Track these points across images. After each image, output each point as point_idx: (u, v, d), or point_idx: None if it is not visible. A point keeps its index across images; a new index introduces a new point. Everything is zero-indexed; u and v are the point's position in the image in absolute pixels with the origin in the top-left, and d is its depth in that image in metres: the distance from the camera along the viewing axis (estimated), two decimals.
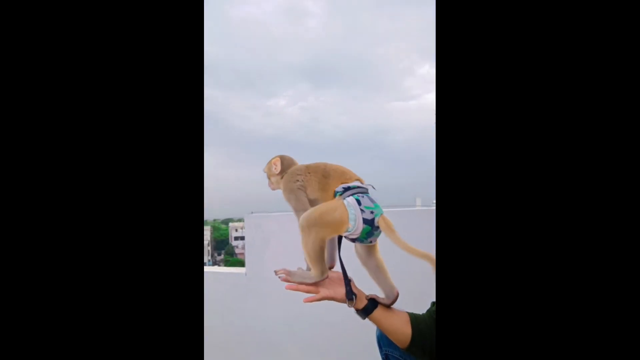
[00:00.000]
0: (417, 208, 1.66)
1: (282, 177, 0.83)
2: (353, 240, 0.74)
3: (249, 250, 1.63)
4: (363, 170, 0.87)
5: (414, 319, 0.75)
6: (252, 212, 1.67)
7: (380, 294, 0.77)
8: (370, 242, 0.74)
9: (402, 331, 0.73)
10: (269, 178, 0.88)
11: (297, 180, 0.80)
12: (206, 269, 1.88)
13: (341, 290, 0.74)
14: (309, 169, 0.80)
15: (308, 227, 0.71)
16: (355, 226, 0.70)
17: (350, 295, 0.73)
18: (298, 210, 0.78)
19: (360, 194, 0.73)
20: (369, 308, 0.74)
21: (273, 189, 0.87)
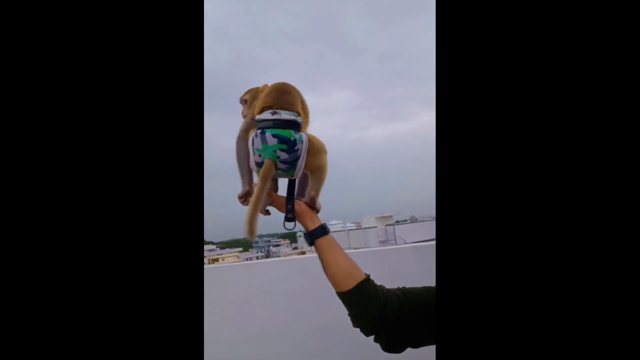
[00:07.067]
0: None
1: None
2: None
3: None
4: None
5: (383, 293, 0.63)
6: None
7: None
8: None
9: (347, 272, 0.62)
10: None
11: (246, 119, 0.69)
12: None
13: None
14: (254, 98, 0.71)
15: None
16: (254, 167, 0.64)
17: (290, 214, 0.66)
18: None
19: (262, 129, 0.63)
20: (316, 233, 0.65)
21: None
